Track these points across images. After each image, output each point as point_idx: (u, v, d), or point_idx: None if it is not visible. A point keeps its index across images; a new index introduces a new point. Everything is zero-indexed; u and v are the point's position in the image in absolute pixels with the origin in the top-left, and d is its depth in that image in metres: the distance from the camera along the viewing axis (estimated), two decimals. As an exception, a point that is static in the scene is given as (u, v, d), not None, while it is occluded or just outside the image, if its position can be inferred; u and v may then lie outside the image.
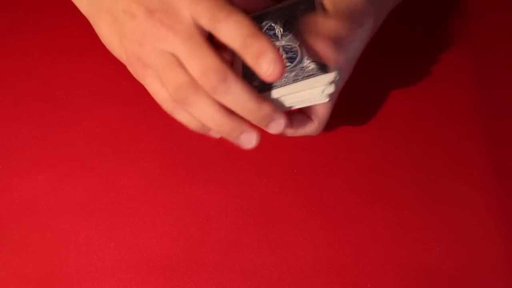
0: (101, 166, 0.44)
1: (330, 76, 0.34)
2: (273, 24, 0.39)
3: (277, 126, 0.34)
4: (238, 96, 0.31)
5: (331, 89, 0.35)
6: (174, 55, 0.31)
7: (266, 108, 0.32)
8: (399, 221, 0.42)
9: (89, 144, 0.45)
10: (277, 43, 0.37)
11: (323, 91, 0.36)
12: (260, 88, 0.35)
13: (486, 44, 0.48)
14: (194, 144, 0.44)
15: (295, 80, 0.35)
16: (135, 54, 0.32)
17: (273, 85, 0.35)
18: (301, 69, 0.35)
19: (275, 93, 0.35)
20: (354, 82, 0.42)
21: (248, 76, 0.36)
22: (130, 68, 0.34)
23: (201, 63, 0.30)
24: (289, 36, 0.38)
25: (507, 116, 0.45)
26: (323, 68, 0.35)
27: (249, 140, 0.34)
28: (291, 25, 0.38)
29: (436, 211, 0.42)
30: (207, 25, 0.30)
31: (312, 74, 0.35)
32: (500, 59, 0.47)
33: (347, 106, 0.42)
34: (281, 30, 0.38)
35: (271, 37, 0.38)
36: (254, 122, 0.33)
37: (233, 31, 0.30)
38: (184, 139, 0.44)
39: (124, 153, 0.44)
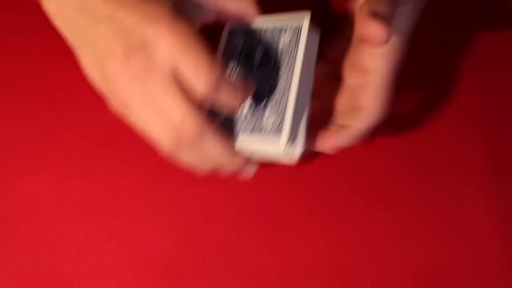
0: (101, 166, 0.44)
1: (283, 139, 0.33)
2: (253, 50, 0.37)
3: (247, 174, 0.37)
4: (213, 150, 0.33)
5: (289, 150, 0.34)
6: (153, 101, 0.31)
7: (237, 162, 0.34)
8: (399, 221, 0.42)
9: (89, 144, 0.45)
10: (250, 76, 0.36)
11: (279, 151, 0.34)
12: (222, 125, 0.35)
13: (486, 44, 0.48)
14: (194, 144, 0.44)
15: (252, 131, 0.34)
16: (115, 94, 0.32)
17: (233, 127, 0.35)
18: (261, 120, 0.34)
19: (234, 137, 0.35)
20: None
21: (212, 112, 0.35)
22: (113, 105, 0.33)
23: (179, 116, 0.30)
24: (263, 72, 0.36)
25: (507, 116, 0.45)
26: (278, 128, 0.34)
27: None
28: (270, 56, 0.36)
29: (436, 211, 0.42)
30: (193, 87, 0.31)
31: (267, 131, 0.34)
32: (500, 59, 0.47)
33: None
34: (258, 60, 0.37)
35: (246, 67, 0.37)
36: (226, 171, 0.36)
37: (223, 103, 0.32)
38: (184, 139, 0.44)
39: (124, 153, 0.44)
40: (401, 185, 0.43)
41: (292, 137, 0.34)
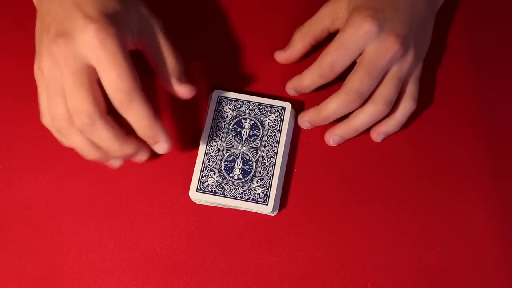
0: (101, 166, 0.43)
1: (269, 208, 0.40)
2: (242, 120, 0.42)
3: (141, 157, 0.39)
4: (103, 138, 0.35)
5: (272, 212, 0.41)
6: (61, 84, 0.35)
7: (128, 149, 0.37)
8: (399, 221, 0.42)
9: (89, 144, 0.44)
10: (239, 147, 0.42)
11: (265, 213, 0.41)
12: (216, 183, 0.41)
13: (486, 44, 0.48)
14: (194, 144, 0.44)
15: (241, 198, 0.40)
16: (38, 63, 0.37)
17: (223, 192, 0.41)
18: (249, 189, 0.41)
19: (222, 200, 0.41)
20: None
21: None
22: (35, 65, 0.38)
23: (75, 103, 0.34)
24: (251, 144, 0.42)
25: (507, 116, 0.45)
26: (265, 197, 0.40)
27: (114, 164, 0.40)
28: (257, 131, 0.42)
29: (436, 211, 0.42)
30: (112, 99, 0.34)
31: (255, 200, 0.40)
32: (500, 59, 0.47)
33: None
34: (248, 132, 0.42)
35: (236, 136, 0.42)
36: (114, 159, 0.39)
37: (135, 120, 0.35)
38: (184, 139, 0.44)
39: (124, 153, 0.44)
40: (401, 185, 0.43)
41: (275, 205, 0.41)
